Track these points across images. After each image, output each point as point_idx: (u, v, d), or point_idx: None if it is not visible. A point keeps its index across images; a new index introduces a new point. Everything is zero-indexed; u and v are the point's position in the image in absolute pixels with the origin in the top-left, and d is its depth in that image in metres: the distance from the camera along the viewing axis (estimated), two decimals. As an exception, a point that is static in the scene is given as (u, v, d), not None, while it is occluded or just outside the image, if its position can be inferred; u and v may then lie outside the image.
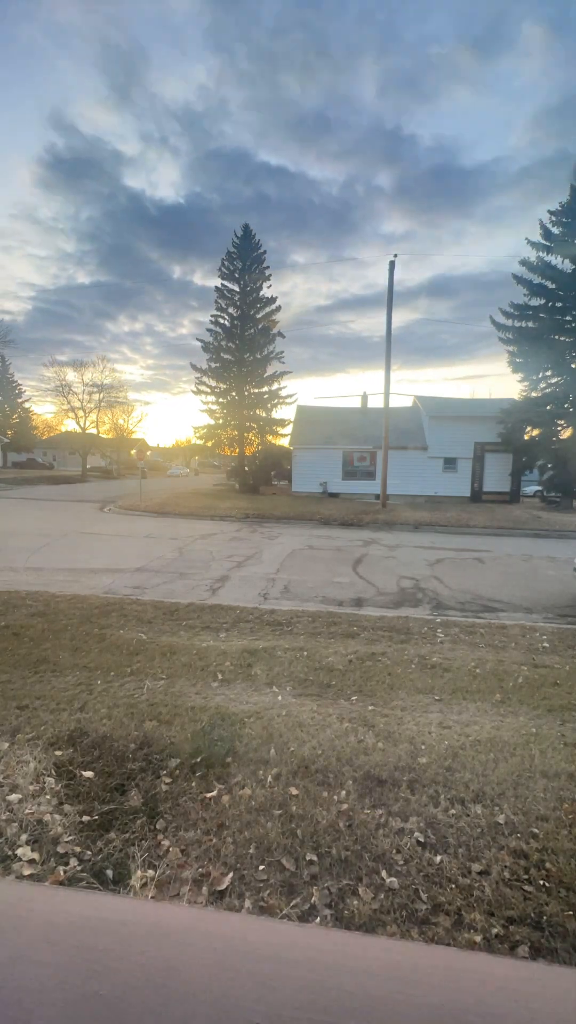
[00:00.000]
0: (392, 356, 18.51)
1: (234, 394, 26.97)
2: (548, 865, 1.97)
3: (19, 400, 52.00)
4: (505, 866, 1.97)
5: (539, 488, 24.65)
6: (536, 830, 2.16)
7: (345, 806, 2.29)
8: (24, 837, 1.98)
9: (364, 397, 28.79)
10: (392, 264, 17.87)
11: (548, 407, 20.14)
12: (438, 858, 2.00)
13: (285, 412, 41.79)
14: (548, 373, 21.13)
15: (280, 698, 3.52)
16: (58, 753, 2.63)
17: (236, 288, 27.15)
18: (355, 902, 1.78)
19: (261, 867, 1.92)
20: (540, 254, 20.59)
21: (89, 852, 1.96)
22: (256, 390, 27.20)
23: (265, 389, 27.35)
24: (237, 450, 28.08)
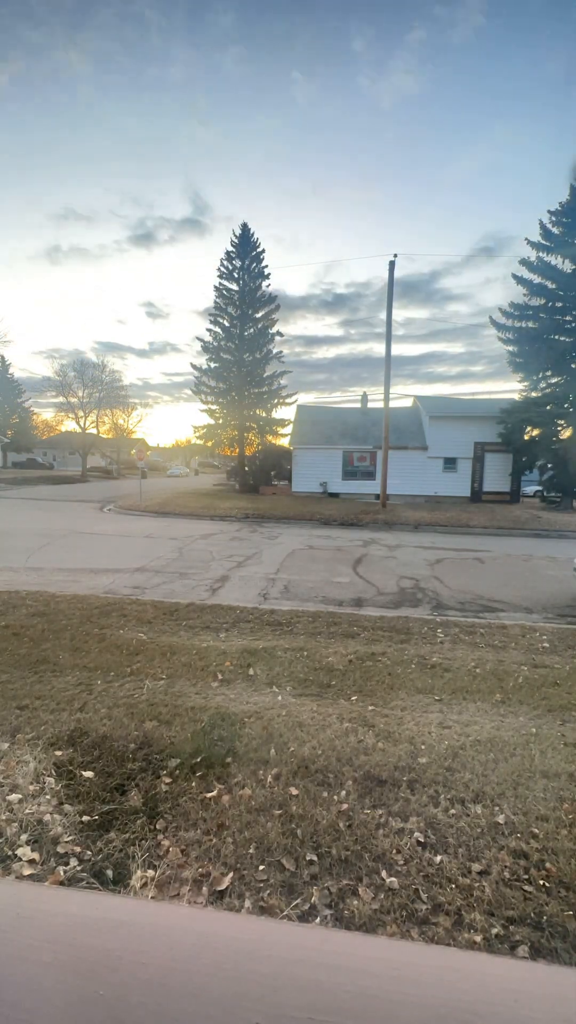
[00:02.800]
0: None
1: (234, 394, 26.96)
2: (548, 865, 1.97)
3: (19, 400, 51.96)
4: (505, 866, 1.97)
5: (539, 488, 24.64)
6: (536, 830, 2.16)
7: (345, 806, 2.29)
8: (24, 837, 1.98)
9: (364, 397, 28.82)
10: (392, 264, 17.88)
11: (548, 407, 20.12)
12: (438, 858, 2.00)
13: (285, 412, 41.90)
14: (548, 373, 21.13)
15: (280, 698, 3.52)
16: (58, 753, 2.63)
17: (235, 288, 27.14)
18: (355, 902, 1.78)
19: (261, 867, 1.92)
20: (540, 254, 20.59)
21: (89, 852, 1.96)
22: (256, 390, 27.19)
23: (265, 389, 27.35)
24: (237, 450, 28.08)
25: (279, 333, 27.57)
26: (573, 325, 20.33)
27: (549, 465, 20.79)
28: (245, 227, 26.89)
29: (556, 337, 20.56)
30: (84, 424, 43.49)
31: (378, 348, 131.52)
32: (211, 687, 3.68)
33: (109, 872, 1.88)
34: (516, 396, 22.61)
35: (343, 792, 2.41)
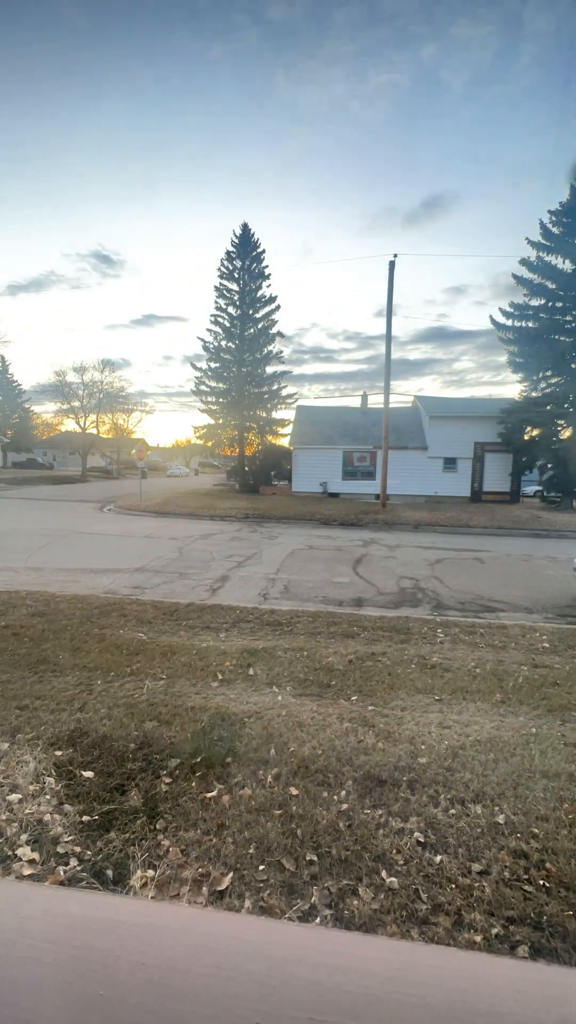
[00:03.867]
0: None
1: (234, 394, 26.95)
2: (548, 865, 1.97)
3: (19, 400, 51.97)
4: (505, 866, 1.97)
5: (539, 488, 24.66)
6: (536, 830, 2.16)
7: (345, 806, 2.29)
8: (24, 837, 1.98)
9: (364, 397, 28.83)
10: (392, 264, 17.89)
11: (548, 407, 20.12)
12: (438, 858, 2.00)
13: (285, 412, 41.75)
14: (548, 373, 21.14)
15: (280, 698, 3.52)
16: (58, 753, 2.63)
17: (235, 288, 27.13)
18: (355, 902, 1.78)
19: (261, 867, 1.92)
20: (540, 254, 20.59)
21: (89, 852, 1.96)
22: (256, 390, 27.18)
23: (265, 389, 27.34)
24: (237, 450, 28.07)
25: (280, 333, 27.57)
26: (573, 325, 20.33)
27: (549, 465, 20.80)
28: (245, 227, 26.87)
29: (556, 337, 20.56)
30: (84, 424, 43.53)
31: (329, 368, 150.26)
32: (211, 687, 3.68)
33: (109, 872, 1.88)
34: (516, 396, 22.64)
35: (343, 792, 2.41)
